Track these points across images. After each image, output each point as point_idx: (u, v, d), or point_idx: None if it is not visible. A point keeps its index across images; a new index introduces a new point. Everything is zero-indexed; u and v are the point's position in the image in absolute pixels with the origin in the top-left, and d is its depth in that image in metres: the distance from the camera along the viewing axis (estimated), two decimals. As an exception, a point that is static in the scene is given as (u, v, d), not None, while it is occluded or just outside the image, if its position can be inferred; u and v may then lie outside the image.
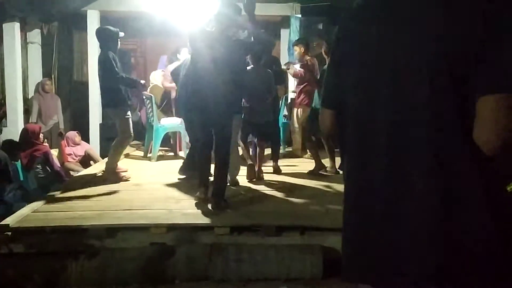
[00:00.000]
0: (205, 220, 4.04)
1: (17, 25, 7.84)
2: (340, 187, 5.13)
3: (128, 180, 5.56)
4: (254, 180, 5.45)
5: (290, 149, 7.53)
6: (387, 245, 1.28)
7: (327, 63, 5.79)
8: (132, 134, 5.63)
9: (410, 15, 1.24)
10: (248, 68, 5.36)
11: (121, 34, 5.53)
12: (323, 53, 6.27)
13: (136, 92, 6.73)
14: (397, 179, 1.26)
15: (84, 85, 8.55)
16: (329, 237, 3.85)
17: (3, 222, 3.83)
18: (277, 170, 5.97)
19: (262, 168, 5.69)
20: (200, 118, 4.48)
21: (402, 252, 1.26)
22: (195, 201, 4.52)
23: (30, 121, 7.88)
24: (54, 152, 6.77)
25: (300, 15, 8.18)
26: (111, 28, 5.50)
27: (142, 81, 5.89)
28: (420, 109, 1.21)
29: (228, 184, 5.04)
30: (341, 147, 1.49)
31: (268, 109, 5.60)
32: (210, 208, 4.34)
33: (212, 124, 4.44)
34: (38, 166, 5.62)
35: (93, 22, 8.19)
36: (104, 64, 5.37)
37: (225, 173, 4.56)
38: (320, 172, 5.93)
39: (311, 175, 5.87)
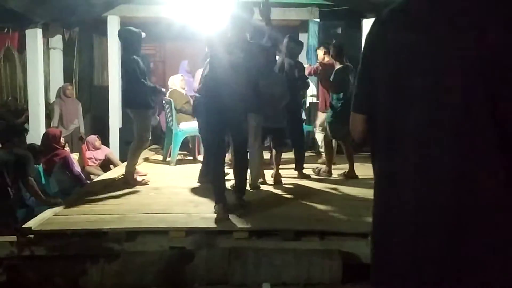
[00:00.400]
0: (224, 224, 4.05)
1: (39, 31, 7.96)
2: (358, 191, 5.12)
3: (147, 184, 5.60)
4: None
5: (309, 153, 7.49)
6: (414, 254, 1.27)
7: (336, 67, 5.85)
8: (150, 138, 5.68)
9: (447, 26, 1.23)
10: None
11: (143, 34, 5.59)
12: (331, 56, 6.27)
13: (155, 97, 6.78)
14: (425, 188, 1.25)
15: (104, 90, 8.65)
16: (348, 242, 3.84)
17: (25, 225, 3.88)
18: (303, 176, 5.91)
19: (281, 171, 5.68)
20: (217, 121, 4.46)
21: (426, 263, 1.25)
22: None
23: (51, 126, 7.98)
24: (75, 156, 6.85)
25: (318, 20, 8.17)
26: (133, 29, 5.55)
27: (163, 89, 5.95)
28: (453, 119, 1.20)
29: (249, 188, 5.07)
30: (372, 152, 1.48)
31: (281, 114, 5.51)
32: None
33: (229, 127, 4.44)
34: (58, 170, 5.69)
35: (113, 27, 8.28)
36: (128, 66, 5.45)
37: (244, 175, 4.58)
38: (319, 174, 6.03)
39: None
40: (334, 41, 6.64)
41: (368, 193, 4.90)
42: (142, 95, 5.49)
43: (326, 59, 6.52)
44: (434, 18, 1.25)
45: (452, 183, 1.21)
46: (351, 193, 5.19)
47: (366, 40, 1.44)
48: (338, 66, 5.89)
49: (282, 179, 5.62)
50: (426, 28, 1.26)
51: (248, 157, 4.87)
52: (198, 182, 5.66)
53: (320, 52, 6.68)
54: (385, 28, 1.38)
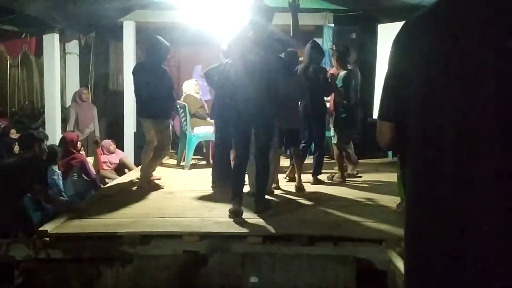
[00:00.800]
0: (238, 229, 4.04)
1: (56, 36, 8.06)
2: (373, 196, 5.10)
3: (162, 188, 5.61)
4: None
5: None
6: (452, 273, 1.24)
7: (340, 72, 5.83)
8: (170, 146, 5.71)
9: (481, 30, 1.20)
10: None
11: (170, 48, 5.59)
12: (334, 61, 6.27)
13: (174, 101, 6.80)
14: (464, 199, 1.21)
15: (119, 94, 8.72)
16: (363, 248, 3.80)
17: (41, 228, 3.92)
18: (317, 182, 5.88)
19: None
20: (243, 122, 4.47)
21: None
22: (229, 212, 4.43)
23: (67, 130, 8.06)
24: (90, 160, 6.90)
25: (333, 25, 8.16)
26: (164, 41, 5.46)
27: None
28: (490, 122, 1.17)
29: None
30: (402, 160, 1.45)
31: (296, 115, 5.49)
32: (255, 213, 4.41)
33: (255, 128, 4.46)
34: (74, 174, 5.74)
35: (129, 32, 8.37)
36: (157, 74, 5.34)
37: (266, 177, 4.61)
38: (332, 180, 6.03)
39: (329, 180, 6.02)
40: (334, 46, 6.64)
41: (383, 198, 4.91)
42: (168, 106, 5.49)
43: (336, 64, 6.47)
44: (467, 22, 1.23)
45: (496, 190, 1.17)
46: (365, 198, 5.16)
47: (394, 46, 1.40)
48: (341, 72, 5.87)
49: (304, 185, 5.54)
50: (458, 33, 1.23)
51: None
52: (211, 187, 5.68)
53: (334, 56, 6.61)
54: (416, 33, 1.35)
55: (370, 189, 5.60)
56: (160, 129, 5.50)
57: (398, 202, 4.49)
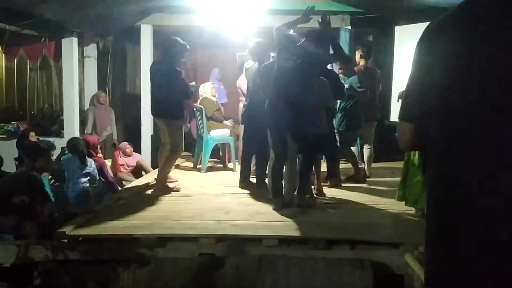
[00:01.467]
0: (254, 231, 4.05)
1: (75, 40, 8.16)
2: (390, 200, 5.04)
3: (179, 191, 5.64)
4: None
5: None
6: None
7: (362, 68, 5.82)
8: (183, 147, 5.74)
9: (506, 38, 1.18)
10: None
11: (188, 47, 5.60)
12: (358, 57, 6.32)
13: (186, 103, 6.86)
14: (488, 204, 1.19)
15: (137, 97, 8.77)
16: (380, 252, 3.79)
17: (60, 230, 3.97)
18: (335, 184, 5.86)
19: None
20: (284, 124, 4.62)
21: None
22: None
23: (85, 132, 8.15)
24: (108, 163, 6.96)
25: (349, 27, 8.12)
26: (181, 41, 5.49)
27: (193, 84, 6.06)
28: None
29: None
30: (424, 163, 1.42)
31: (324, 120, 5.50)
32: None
33: (296, 131, 4.58)
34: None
35: (146, 36, 8.43)
36: (169, 76, 5.40)
37: (307, 177, 4.88)
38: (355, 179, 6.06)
39: (349, 181, 6.05)
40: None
41: (400, 202, 4.85)
42: (179, 106, 5.54)
43: (362, 63, 6.44)
44: (491, 25, 1.21)
45: None
46: (382, 201, 5.12)
47: (417, 47, 1.38)
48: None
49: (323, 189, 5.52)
50: (483, 36, 1.21)
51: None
52: (240, 187, 5.76)
53: (357, 55, 6.54)
54: (439, 35, 1.33)
55: (387, 192, 5.55)
56: (172, 129, 5.56)
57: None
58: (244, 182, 5.81)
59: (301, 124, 4.54)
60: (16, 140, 7.30)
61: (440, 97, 1.29)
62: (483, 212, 1.19)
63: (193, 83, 6.31)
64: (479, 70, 1.21)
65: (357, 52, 6.53)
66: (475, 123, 1.21)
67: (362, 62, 6.43)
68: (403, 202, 4.53)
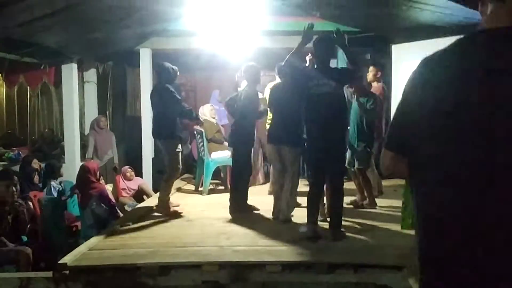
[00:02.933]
0: (257, 257, 4.02)
1: (74, 66, 8.22)
2: (392, 220, 5.02)
3: (181, 215, 5.62)
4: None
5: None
6: None
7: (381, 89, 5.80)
8: (181, 167, 5.78)
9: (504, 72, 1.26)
10: None
11: (178, 73, 5.76)
12: (372, 77, 6.29)
13: (186, 125, 6.89)
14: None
15: (137, 120, 8.80)
16: (384, 275, 3.76)
17: (61, 261, 3.94)
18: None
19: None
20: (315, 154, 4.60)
21: None
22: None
23: (86, 157, 8.16)
24: (109, 187, 6.95)
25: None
26: (171, 65, 5.69)
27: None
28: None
29: (280, 220, 5.07)
30: (413, 188, 1.50)
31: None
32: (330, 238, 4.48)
33: (327, 160, 4.53)
34: (93, 203, 5.78)
35: (145, 59, 8.50)
36: (161, 95, 5.57)
37: (341, 203, 4.66)
38: (362, 203, 5.84)
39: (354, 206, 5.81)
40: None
41: (398, 221, 4.82)
42: (174, 126, 5.60)
43: (375, 83, 6.38)
44: (495, 62, 1.28)
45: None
46: (384, 222, 5.09)
47: (409, 81, 1.45)
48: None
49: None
50: (485, 72, 1.28)
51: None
52: (230, 213, 5.66)
53: (371, 74, 6.45)
54: (433, 69, 1.40)
55: (389, 212, 5.54)
56: (167, 149, 5.65)
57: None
58: (235, 213, 5.64)
59: (337, 149, 4.59)
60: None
61: (434, 126, 1.36)
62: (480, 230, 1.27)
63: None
64: (475, 100, 1.28)
65: (370, 71, 6.44)
66: (474, 147, 1.28)
67: (375, 82, 6.39)
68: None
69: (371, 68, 6.49)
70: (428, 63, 1.41)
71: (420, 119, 1.38)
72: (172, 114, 5.61)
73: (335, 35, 4.61)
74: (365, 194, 5.86)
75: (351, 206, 5.80)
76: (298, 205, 5.47)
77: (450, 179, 1.31)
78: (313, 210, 4.62)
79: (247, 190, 5.85)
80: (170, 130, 5.61)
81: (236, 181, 5.79)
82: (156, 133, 5.86)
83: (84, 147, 8.59)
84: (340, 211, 4.63)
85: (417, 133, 1.38)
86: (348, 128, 5.55)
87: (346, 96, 5.28)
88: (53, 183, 6.46)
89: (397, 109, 1.50)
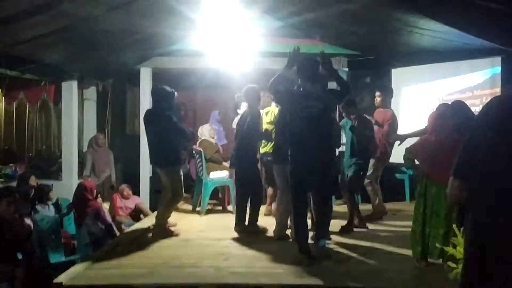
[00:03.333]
0: (255, 280, 3.99)
1: (74, 84, 8.24)
2: (390, 243, 4.98)
3: (177, 236, 5.57)
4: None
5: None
6: None
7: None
8: (183, 193, 5.75)
9: None
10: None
11: (176, 94, 5.68)
12: (379, 102, 6.34)
13: (185, 145, 6.85)
14: None
15: (135, 139, 8.77)
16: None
17: (56, 280, 3.89)
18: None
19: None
20: (300, 173, 4.52)
21: None
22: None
23: (84, 175, 8.12)
24: (106, 206, 6.89)
25: (347, 69, 8.22)
26: (168, 88, 5.60)
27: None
28: None
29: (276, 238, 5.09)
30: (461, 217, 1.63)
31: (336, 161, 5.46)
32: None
33: (311, 179, 4.48)
34: (89, 222, 5.73)
35: (145, 78, 8.50)
36: (162, 121, 5.44)
37: (323, 227, 4.68)
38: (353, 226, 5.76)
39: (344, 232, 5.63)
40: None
41: (400, 245, 4.79)
42: (176, 152, 5.59)
43: (382, 106, 6.42)
44: None
45: None
46: (382, 245, 5.05)
47: (483, 116, 1.70)
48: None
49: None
50: None
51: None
52: (235, 230, 5.67)
53: (378, 99, 6.48)
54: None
55: (387, 235, 5.50)
56: (170, 176, 5.58)
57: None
58: (239, 226, 5.71)
59: (322, 172, 4.52)
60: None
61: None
62: None
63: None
64: None
65: (377, 96, 6.47)
66: None
67: (382, 106, 6.42)
68: (403, 245, 4.48)
69: (377, 93, 6.50)
70: (505, 105, 1.55)
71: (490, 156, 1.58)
72: (175, 142, 5.56)
73: (320, 58, 4.62)
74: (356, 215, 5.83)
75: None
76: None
77: None
78: (303, 235, 4.57)
79: (259, 210, 5.81)
80: (172, 159, 5.56)
81: (242, 200, 5.78)
82: (157, 162, 5.74)
83: (81, 164, 8.55)
84: (324, 230, 4.66)
85: (485, 167, 1.60)
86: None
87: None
88: (39, 207, 6.14)
89: (468, 141, 1.70)
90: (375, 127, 6.08)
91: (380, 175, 6.39)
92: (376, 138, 6.05)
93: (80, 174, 8.36)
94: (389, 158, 6.34)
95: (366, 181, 6.14)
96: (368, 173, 6.07)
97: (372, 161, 6.10)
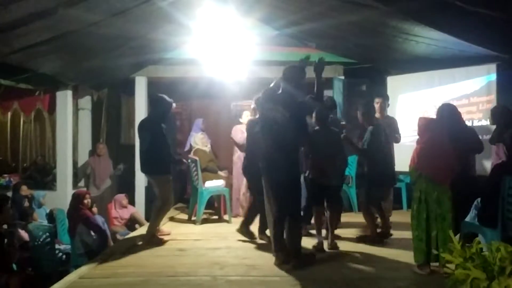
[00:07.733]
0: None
1: (69, 93, 8.22)
2: (388, 250, 4.93)
3: (164, 243, 5.56)
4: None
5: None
6: None
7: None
8: (173, 200, 5.71)
9: None
10: (316, 128, 5.23)
11: (174, 105, 5.73)
12: (378, 108, 6.25)
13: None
14: None
15: (131, 148, 8.72)
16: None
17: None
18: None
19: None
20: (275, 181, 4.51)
21: None
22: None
23: (84, 185, 8.09)
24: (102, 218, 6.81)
25: (343, 77, 8.23)
26: (167, 98, 5.63)
27: (185, 161, 6.37)
28: None
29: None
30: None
31: (337, 172, 5.29)
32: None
33: (283, 187, 4.46)
34: (81, 231, 5.67)
35: (140, 87, 8.48)
36: (155, 130, 5.48)
37: (299, 231, 4.65)
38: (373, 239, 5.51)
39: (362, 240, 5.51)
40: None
41: (398, 253, 4.75)
42: (164, 161, 5.58)
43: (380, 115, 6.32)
44: None
45: None
46: (380, 253, 5.00)
47: None
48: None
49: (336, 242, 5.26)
50: None
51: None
52: (259, 238, 5.60)
53: (377, 105, 6.34)
54: None
55: (389, 243, 5.44)
56: (158, 184, 5.59)
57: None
58: (262, 233, 5.56)
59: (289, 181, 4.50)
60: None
61: None
62: None
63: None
64: None
65: (376, 103, 6.36)
66: None
67: (380, 113, 6.34)
68: (400, 253, 4.43)
69: (377, 99, 6.44)
70: None
71: None
72: (163, 151, 5.55)
73: (317, 62, 4.66)
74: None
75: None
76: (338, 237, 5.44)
77: None
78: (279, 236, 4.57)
79: (255, 216, 5.70)
80: (161, 168, 5.57)
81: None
82: (146, 170, 5.81)
83: (76, 175, 8.50)
84: (296, 241, 4.57)
85: None
86: None
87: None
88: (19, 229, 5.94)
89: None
90: None
91: None
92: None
93: (75, 185, 8.30)
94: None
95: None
96: None
97: None
